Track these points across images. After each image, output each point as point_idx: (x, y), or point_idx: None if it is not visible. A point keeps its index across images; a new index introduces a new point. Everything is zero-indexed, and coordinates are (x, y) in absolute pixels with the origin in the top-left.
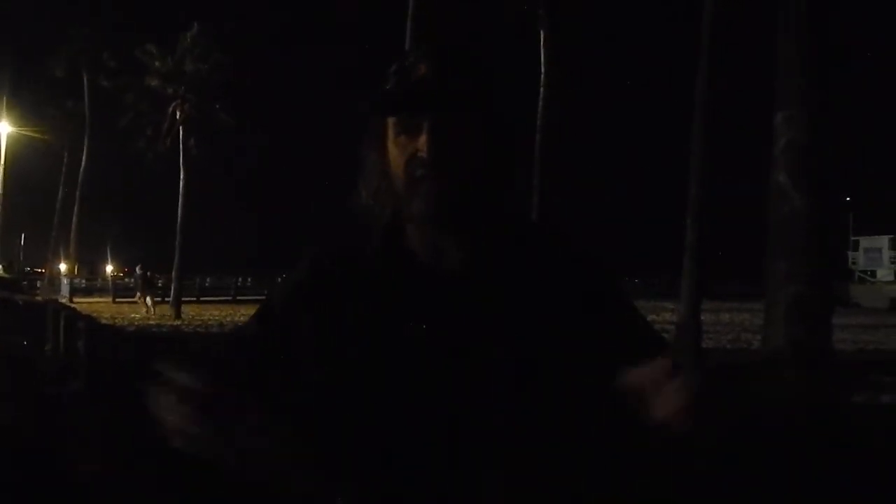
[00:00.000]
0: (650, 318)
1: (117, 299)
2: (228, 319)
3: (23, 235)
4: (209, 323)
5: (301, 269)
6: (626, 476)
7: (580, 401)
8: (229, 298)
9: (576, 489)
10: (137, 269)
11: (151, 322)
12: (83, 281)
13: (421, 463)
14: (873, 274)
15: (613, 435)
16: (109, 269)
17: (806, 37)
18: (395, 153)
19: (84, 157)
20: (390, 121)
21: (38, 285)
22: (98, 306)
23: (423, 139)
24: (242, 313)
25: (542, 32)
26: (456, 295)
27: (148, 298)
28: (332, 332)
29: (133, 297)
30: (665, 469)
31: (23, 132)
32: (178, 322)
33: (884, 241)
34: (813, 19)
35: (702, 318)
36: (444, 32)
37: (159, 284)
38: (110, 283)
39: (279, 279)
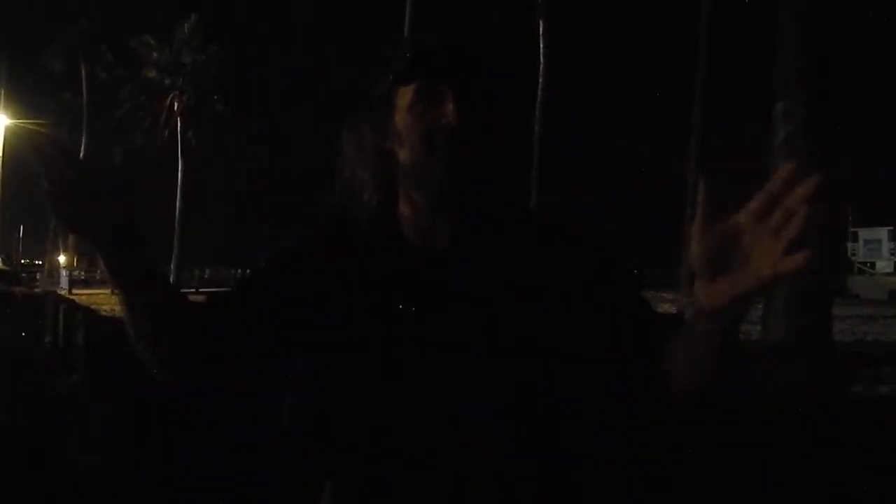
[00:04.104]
0: None
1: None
2: None
3: (21, 228)
4: None
5: (288, 250)
6: (616, 456)
7: (570, 381)
8: (228, 290)
9: (565, 467)
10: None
11: None
12: (82, 273)
13: (411, 442)
14: (872, 265)
15: (604, 416)
16: None
17: (807, 25)
18: (409, 122)
19: (82, 149)
20: (403, 90)
21: (38, 277)
22: (97, 298)
23: (449, 107)
24: None
25: (540, 23)
26: (447, 276)
27: None
28: (323, 313)
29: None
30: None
31: (21, 124)
32: None
33: (883, 232)
34: (814, 7)
35: None
36: (443, 23)
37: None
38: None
39: (260, 264)
